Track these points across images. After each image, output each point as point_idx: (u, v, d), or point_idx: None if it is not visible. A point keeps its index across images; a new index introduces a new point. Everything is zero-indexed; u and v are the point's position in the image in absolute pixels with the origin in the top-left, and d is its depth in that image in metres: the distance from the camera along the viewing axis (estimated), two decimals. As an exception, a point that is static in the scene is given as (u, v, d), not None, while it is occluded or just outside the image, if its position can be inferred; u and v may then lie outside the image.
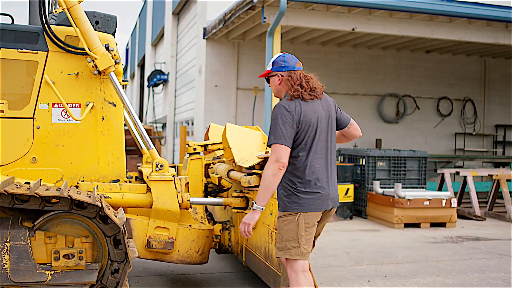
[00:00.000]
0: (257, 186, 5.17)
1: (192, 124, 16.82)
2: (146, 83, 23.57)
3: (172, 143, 20.42)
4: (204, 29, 14.69)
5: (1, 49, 5.26)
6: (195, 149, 6.17)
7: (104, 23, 5.52)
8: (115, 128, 5.52)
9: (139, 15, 30.97)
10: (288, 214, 4.06)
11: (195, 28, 16.19)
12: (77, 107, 5.39)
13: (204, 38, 14.74)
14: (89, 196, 4.72)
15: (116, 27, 5.64)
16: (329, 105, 4.26)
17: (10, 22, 5.41)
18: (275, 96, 4.34)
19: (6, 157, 5.26)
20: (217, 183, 6.12)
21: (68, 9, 5.20)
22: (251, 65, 15.03)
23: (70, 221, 4.83)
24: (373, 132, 16.13)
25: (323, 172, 4.11)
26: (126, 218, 5.29)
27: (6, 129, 5.24)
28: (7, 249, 4.59)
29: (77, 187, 5.31)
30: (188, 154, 6.13)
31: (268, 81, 4.34)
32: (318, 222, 4.15)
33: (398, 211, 10.02)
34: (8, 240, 4.61)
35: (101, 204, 4.61)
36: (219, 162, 6.29)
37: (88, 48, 5.23)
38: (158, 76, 21.90)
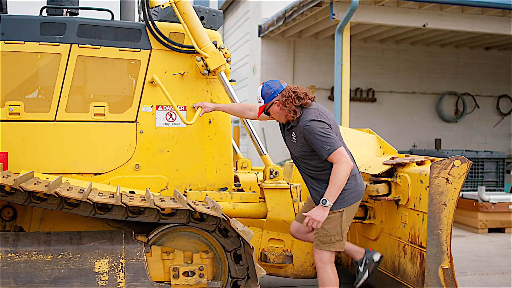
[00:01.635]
0: (386, 195, 4.72)
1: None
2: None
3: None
4: (259, 26, 14.26)
5: (100, 47, 4.86)
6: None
7: (209, 18, 5.10)
8: (223, 132, 5.09)
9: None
10: (333, 212, 4.21)
11: (247, 25, 15.75)
12: (182, 110, 4.97)
13: (259, 36, 14.31)
14: (208, 207, 4.29)
15: (222, 23, 5.21)
16: None
17: (110, 19, 4.99)
18: (282, 122, 4.42)
19: (107, 164, 4.87)
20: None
21: (175, 4, 4.78)
22: (307, 63, 14.56)
23: (187, 235, 4.43)
24: (431, 131, 15.55)
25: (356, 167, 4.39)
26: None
27: (107, 134, 4.85)
28: (122, 266, 4.19)
29: (185, 196, 4.88)
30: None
31: (268, 114, 4.40)
32: None
33: (482, 216, 9.47)
34: (122, 256, 4.21)
35: (226, 217, 4.18)
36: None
37: (198, 46, 4.80)
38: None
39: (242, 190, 5.21)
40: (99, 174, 4.84)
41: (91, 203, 4.03)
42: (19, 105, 4.71)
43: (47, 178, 4.67)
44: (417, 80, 15.51)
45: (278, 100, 4.27)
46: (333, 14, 10.46)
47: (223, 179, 5.07)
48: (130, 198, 4.23)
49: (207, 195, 4.83)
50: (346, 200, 4.27)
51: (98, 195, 4.22)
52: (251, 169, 5.98)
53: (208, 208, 4.27)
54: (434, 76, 15.67)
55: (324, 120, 4.18)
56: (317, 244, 4.30)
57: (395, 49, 15.20)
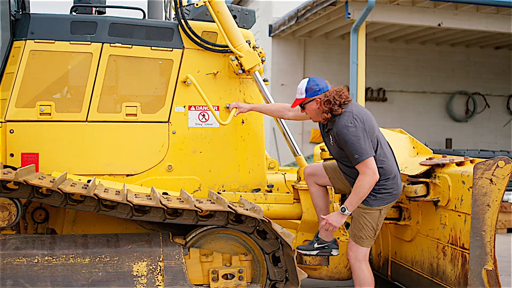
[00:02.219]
0: (424, 196, 4.64)
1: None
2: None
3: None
4: (270, 26, 14.19)
5: (132, 46, 4.78)
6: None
7: (242, 17, 5.02)
8: (256, 132, 5.01)
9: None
10: (371, 209, 4.26)
11: (256, 25, 15.64)
12: (215, 110, 4.89)
13: (270, 35, 14.24)
14: (246, 209, 4.22)
15: (255, 22, 5.14)
16: None
17: (142, 17, 4.92)
18: (314, 121, 4.39)
19: (140, 165, 4.79)
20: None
21: (209, 2, 4.70)
22: (318, 63, 14.51)
23: (225, 237, 4.35)
24: (442, 131, 15.50)
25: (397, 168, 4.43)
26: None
27: (139, 135, 4.78)
28: (160, 269, 4.12)
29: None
30: (323, 160, 5.57)
31: (303, 108, 4.32)
32: None
33: (501, 216, 9.40)
34: (161, 259, 4.14)
35: (267, 219, 4.10)
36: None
37: (232, 45, 4.72)
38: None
39: (271, 191, 5.13)
40: (131, 175, 4.77)
41: (131, 205, 3.95)
42: (50, 105, 4.63)
43: (80, 180, 4.60)
44: (427, 79, 15.46)
45: (320, 99, 4.21)
46: (349, 14, 10.41)
47: (256, 180, 5.00)
48: (168, 200, 4.16)
49: (241, 196, 4.75)
50: (385, 199, 4.30)
51: (135, 196, 4.14)
52: (278, 170, 5.92)
53: (247, 209, 4.19)
54: (445, 75, 15.62)
55: (358, 125, 4.12)
56: (352, 237, 4.36)
57: (406, 48, 15.16)
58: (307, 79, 4.32)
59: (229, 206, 4.02)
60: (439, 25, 11.03)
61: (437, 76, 15.52)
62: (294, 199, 4.93)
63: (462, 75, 15.74)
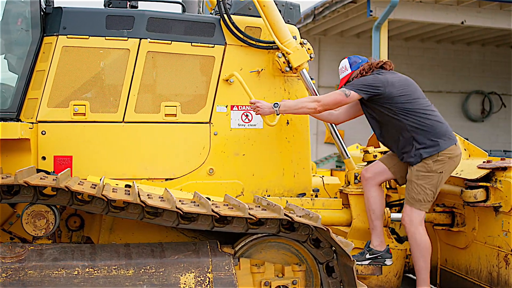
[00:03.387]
0: (484, 201, 4.37)
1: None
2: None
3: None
4: (284, 24, 13.90)
5: (172, 42, 4.49)
6: (375, 156, 5.28)
7: (286, 12, 4.73)
8: (301, 133, 4.73)
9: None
10: (433, 172, 4.25)
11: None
12: (259, 110, 4.59)
13: (284, 34, 13.94)
14: (299, 216, 3.94)
15: (300, 17, 4.85)
16: None
17: (181, 11, 4.63)
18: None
19: (179, 168, 4.51)
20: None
21: (255, -5, 4.41)
22: (333, 62, 14.22)
23: (276, 246, 4.07)
24: (458, 131, 14.96)
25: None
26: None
27: (179, 136, 4.50)
28: (209, 281, 3.83)
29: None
30: (366, 163, 5.28)
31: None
32: None
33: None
34: (210, 270, 3.85)
35: (326, 227, 3.82)
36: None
37: (279, 41, 4.44)
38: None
39: (316, 196, 4.85)
40: (171, 179, 4.49)
41: (181, 213, 3.66)
42: (85, 105, 4.35)
43: (117, 184, 4.32)
44: (443, 78, 15.20)
45: (363, 68, 4.40)
46: (371, 11, 10.11)
47: (301, 184, 4.72)
48: (216, 206, 3.87)
49: (287, 201, 4.47)
50: (450, 164, 4.30)
51: (182, 203, 3.86)
52: (316, 172, 5.65)
53: (300, 216, 3.91)
54: (460, 74, 15.37)
55: (384, 84, 4.25)
56: (408, 201, 4.32)
57: (421, 47, 14.89)
58: (344, 59, 4.57)
59: (285, 214, 3.73)
60: (462, 23, 10.78)
61: (452, 75, 15.27)
62: (342, 204, 4.65)
63: (478, 74, 15.48)
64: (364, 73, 4.40)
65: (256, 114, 4.39)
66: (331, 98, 4.24)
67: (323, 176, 5.56)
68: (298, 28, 12.79)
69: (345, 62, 4.51)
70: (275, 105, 4.25)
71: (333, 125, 4.70)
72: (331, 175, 7.53)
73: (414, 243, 4.30)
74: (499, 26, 11.15)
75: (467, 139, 14.15)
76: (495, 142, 15.56)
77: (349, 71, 4.46)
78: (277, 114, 4.30)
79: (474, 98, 15.49)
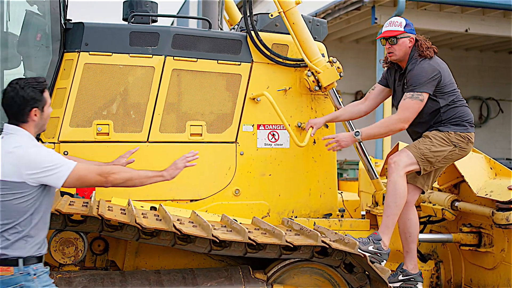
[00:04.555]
0: (515, 224, 4.30)
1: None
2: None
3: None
4: (284, 30, 13.81)
5: (198, 60, 4.38)
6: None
7: (314, 29, 4.65)
8: (327, 153, 4.64)
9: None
10: (447, 144, 4.16)
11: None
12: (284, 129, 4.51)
13: (284, 39, 13.86)
14: (333, 240, 3.85)
15: (327, 33, 4.76)
16: None
17: (208, 28, 4.52)
18: (395, 60, 4.24)
19: (205, 189, 4.40)
20: (434, 214, 5.15)
21: (284, 13, 4.31)
22: (332, 68, 14.14)
23: (309, 271, 3.98)
24: (456, 137, 15.19)
25: None
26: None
27: (205, 156, 4.37)
28: (247, 308, 3.72)
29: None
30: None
31: (392, 42, 4.19)
32: None
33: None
34: (243, 297, 3.73)
35: (364, 254, 3.73)
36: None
37: (308, 60, 4.34)
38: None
39: (343, 216, 4.77)
40: (196, 200, 4.38)
41: (218, 240, 3.55)
42: (108, 125, 4.23)
43: (142, 207, 4.20)
44: (441, 84, 15.18)
45: (413, 38, 4.20)
46: (375, 19, 10.05)
47: (328, 205, 4.63)
48: (250, 232, 3.77)
49: (315, 223, 4.38)
50: (465, 148, 4.27)
51: (214, 229, 3.75)
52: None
53: (334, 241, 3.82)
54: (459, 80, 15.06)
55: (435, 68, 4.13)
56: (410, 147, 4.20)
57: (420, 53, 14.86)
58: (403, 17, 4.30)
59: (322, 241, 3.64)
60: (466, 30, 10.76)
61: (451, 81, 15.25)
62: (370, 225, 4.57)
63: (476, 80, 15.49)
64: (420, 48, 4.20)
65: (336, 150, 4.29)
66: (412, 110, 4.10)
67: (341, 192, 5.48)
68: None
69: (401, 19, 4.26)
70: (357, 134, 4.15)
71: (361, 143, 4.60)
72: (338, 186, 7.44)
73: (392, 189, 4.11)
74: (503, 34, 11.14)
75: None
76: (493, 148, 15.57)
77: (401, 29, 4.19)
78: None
79: (472, 103, 15.49)
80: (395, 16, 9.27)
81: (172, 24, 30.87)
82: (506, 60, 15.63)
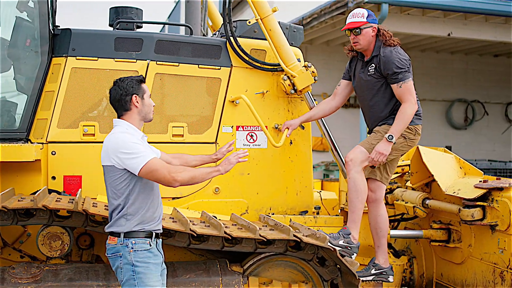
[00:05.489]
0: (481, 219, 4.54)
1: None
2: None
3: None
4: (272, 33, 14.02)
5: (179, 64, 4.61)
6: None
7: (290, 35, 4.88)
8: (304, 153, 4.88)
9: (169, 17, 30.18)
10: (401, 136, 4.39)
11: (255, 32, 15.52)
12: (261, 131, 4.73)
13: (271, 42, 14.07)
14: (305, 235, 4.08)
15: (303, 39, 5.00)
16: None
17: (189, 34, 4.74)
18: (360, 49, 4.47)
19: (186, 187, 4.60)
20: (406, 212, 5.39)
21: (261, 20, 4.55)
22: (318, 70, 14.06)
23: (283, 264, 4.21)
24: (441, 138, 15.48)
25: None
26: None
27: (187, 156, 4.58)
28: (220, 299, 3.94)
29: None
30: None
31: (356, 33, 4.41)
32: None
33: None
34: (220, 288, 3.96)
35: (333, 247, 3.97)
36: (397, 187, 5.61)
37: (285, 64, 4.58)
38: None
39: (318, 213, 5.00)
40: (177, 198, 4.60)
41: (195, 234, 3.77)
42: (94, 126, 4.44)
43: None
44: (426, 87, 15.43)
45: (376, 28, 4.42)
46: (360, 23, 10.27)
47: (304, 202, 4.86)
48: (226, 227, 4.00)
49: (291, 219, 4.61)
50: (413, 140, 4.53)
51: (193, 224, 3.98)
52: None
53: (306, 236, 4.06)
54: (444, 83, 15.63)
55: (405, 55, 4.40)
56: (364, 143, 4.45)
57: (406, 56, 15.11)
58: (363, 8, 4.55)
59: (294, 235, 3.87)
60: (448, 34, 11.01)
61: (436, 83, 15.52)
62: (344, 222, 4.80)
63: (461, 82, 15.77)
64: (383, 38, 4.42)
65: (381, 163, 4.42)
66: (411, 90, 4.37)
67: (320, 191, 5.72)
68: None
69: (363, 10, 4.45)
70: (390, 137, 4.30)
71: (335, 144, 4.84)
72: (322, 186, 7.69)
73: (353, 185, 4.35)
74: (484, 38, 11.40)
75: (450, 147, 14.38)
76: (478, 150, 15.86)
77: (364, 20, 4.41)
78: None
79: (457, 106, 15.77)
80: (379, 19, 9.56)
81: (162, 30, 31.04)
82: (491, 63, 15.92)
